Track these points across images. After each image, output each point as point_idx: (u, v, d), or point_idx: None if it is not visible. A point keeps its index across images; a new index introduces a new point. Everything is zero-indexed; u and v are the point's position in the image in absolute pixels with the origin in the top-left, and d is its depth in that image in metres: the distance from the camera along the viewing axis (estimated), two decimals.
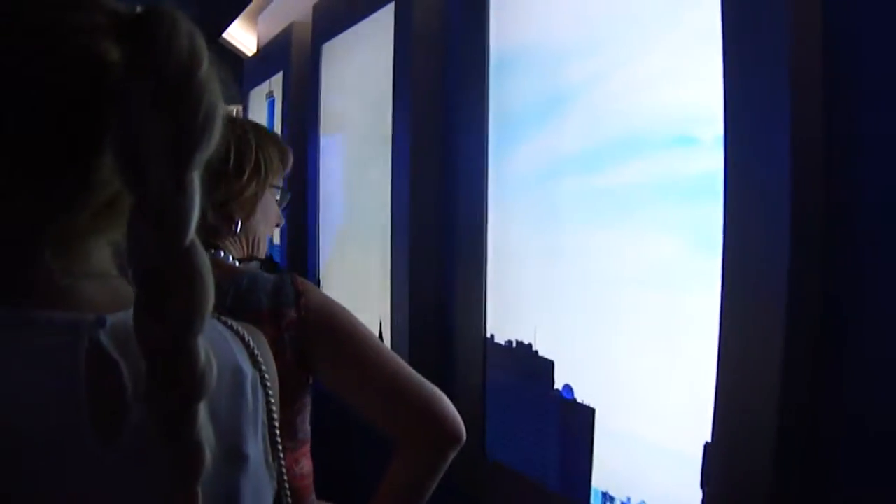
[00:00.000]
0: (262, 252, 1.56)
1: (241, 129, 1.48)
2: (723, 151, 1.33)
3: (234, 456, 0.74)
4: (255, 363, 0.80)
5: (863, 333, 1.22)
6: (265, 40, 5.00)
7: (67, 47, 0.65)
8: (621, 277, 1.64)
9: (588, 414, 1.66)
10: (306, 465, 1.42)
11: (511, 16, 2.12)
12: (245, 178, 1.45)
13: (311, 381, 1.41)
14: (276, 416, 0.81)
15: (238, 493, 0.73)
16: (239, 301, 1.34)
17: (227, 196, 1.43)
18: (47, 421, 0.62)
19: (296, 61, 4.42)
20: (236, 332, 0.80)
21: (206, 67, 0.64)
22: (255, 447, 0.77)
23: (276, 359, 1.31)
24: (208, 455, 0.61)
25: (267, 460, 0.79)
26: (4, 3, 0.67)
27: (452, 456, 1.33)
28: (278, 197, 1.57)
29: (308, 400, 1.42)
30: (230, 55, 5.28)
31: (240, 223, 1.47)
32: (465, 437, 1.34)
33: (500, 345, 2.08)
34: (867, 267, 1.22)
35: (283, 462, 0.83)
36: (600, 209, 1.71)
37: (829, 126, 1.25)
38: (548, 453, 1.73)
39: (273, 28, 4.76)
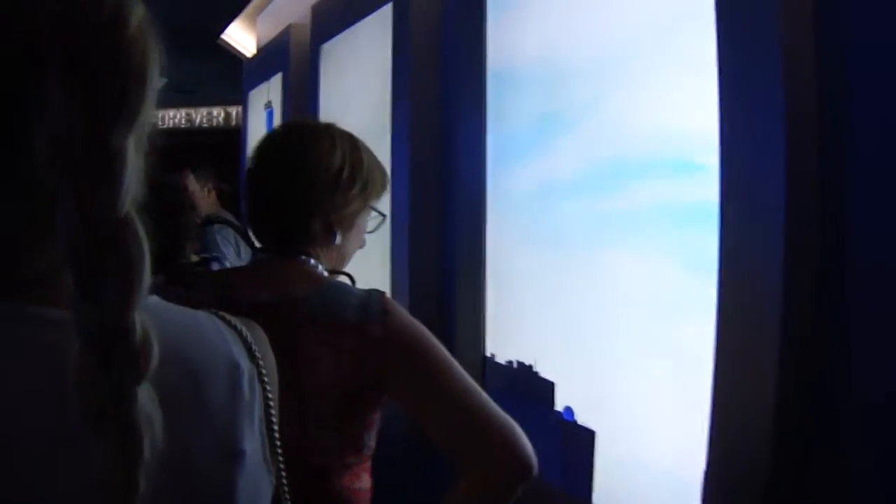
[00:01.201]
0: (344, 268, 1.61)
1: (354, 145, 1.52)
2: (718, 177, 1.38)
3: (229, 452, 0.73)
4: (253, 358, 0.79)
5: (860, 359, 1.27)
6: (264, 41, 5.05)
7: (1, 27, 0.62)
8: (620, 299, 1.68)
9: (588, 436, 1.71)
10: (366, 480, 1.44)
11: (509, 31, 2.16)
12: (353, 192, 1.49)
13: (384, 398, 1.42)
14: (274, 411, 0.80)
15: (234, 489, 0.73)
16: (323, 311, 1.37)
17: (333, 207, 1.48)
18: (37, 418, 0.62)
19: (295, 62, 4.45)
20: (233, 327, 0.80)
21: (131, 30, 0.61)
22: (252, 443, 0.76)
23: (351, 373, 1.35)
24: (147, 444, 0.58)
25: (265, 456, 0.78)
26: None
27: (521, 489, 1.33)
28: (370, 219, 1.62)
29: (378, 416, 1.44)
30: (229, 56, 5.32)
31: (338, 236, 1.51)
32: (536, 470, 1.33)
33: (500, 364, 2.12)
34: (863, 291, 1.27)
35: (281, 458, 0.82)
36: (600, 231, 1.75)
37: (823, 153, 1.29)
38: (548, 475, 1.75)
39: (272, 29, 4.80)
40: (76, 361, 0.58)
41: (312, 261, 1.48)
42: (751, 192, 1.34)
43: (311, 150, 1.47)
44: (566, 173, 1.87)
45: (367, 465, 1.45)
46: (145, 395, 0.59)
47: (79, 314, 0.58)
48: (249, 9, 4.66)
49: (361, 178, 1.51)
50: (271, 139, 1.58)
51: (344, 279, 1.57)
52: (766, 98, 1.31)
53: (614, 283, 1.70)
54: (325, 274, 1.50)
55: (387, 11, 3.04)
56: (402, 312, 1.43)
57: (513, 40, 2.16)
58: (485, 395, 1.35)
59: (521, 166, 2.09)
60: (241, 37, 5.18)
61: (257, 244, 1.58)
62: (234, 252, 3.91)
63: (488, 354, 2.18)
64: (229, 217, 4.43)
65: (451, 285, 2.45)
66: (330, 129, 1.55)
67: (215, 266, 3.33)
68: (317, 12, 4.12)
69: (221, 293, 1.42)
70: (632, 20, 1.67)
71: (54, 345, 0.61)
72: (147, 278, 0.60)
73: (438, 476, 1.50)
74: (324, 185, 1.46)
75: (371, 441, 1.44)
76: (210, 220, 3.91)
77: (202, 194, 4.69)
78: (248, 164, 1.54)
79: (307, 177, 1.45)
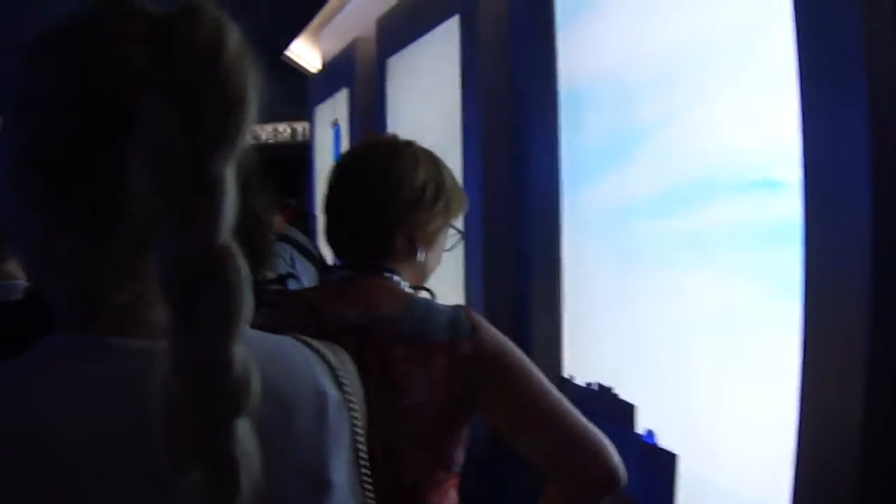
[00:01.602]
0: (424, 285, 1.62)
1: (435, 162, 1.54)
2: (801, 195, 1.35)
3: (317, 482, 0.72)
4: (339, 385, 0.77)
5: None
6: (329, 57, 5.10)
7: (97, 60, 0.65)
8: (700, 320, 1.66)
9: (670, 460, 1.69)
10: (453, 496, 1.45)
11: (580, 46, 2.15)
12: (436, 209, 1.49)
13: (473, 414, 1.43)
14: (361, 439, 0.79)
15: None
16: (412, 329, 1.38)
17: (417, 224, 1.48)
18: (119, 451, 0.62)
19: (361, 77, 4.50)
20: (319, 354, 0.78)
21: (229, 57, 0.59)
22: (340, 472, 0.75)
23: (443, 391, 1.36)
24: (245, 480, 0.57)
25: (353, 485, 0.77)
26: (54, 25, 0.69)
27: (607, 501, 1.34)
28: (449, 238, 1.62)
29: (466, 432, 1.44)
30: (294, 72, 5.40)
31: (420, 253, 1.51)
32: (623, 484, 1.34)
33: (578, 386, 2.11)
34: None
35: (370, 484, 0.81)
36: (677, 250, 1.73)
37: None
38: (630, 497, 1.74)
39: (336, 44, 4.85)
40: (171, 395, 0.56)
41: (396, 278, 1.48)
42: (835, 208, 1.31)
43: (395, 166, 1.47)
44: (642, 191, 1.86)
45: (455, 481, 1.46)
46: (243, 430, 0.58)
47: (175, 347, 0.57)
48: (313, 24, 4.72)
49: (444, 196, 1.51)
50: (354, 156, 1.60)
51: (426, 295, 1.57)
52: (850, 109, 1.29)
53: (693, 303, 1.68)
54: (410, 291, 1.50)
55: (453, 23, 3.06)
56: (490, 328, 1.43)
57: (584, 56, 2.15)
58: (572, 407, 1.36)
59: (595, 184, 2.08)
60: (305, 52, 5.24)
61: (330, 261, 1.59)
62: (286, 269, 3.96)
63: (566, 376, 2.17)
64: (292, 233, 4.49)
65: (526, 305, 2.44)
66: (411, 146, 1.55)
67: (293, 284, 3.38)
68: (382, 26, 4.15)
69: (308, 313, 1.43)
70: (705, 34, 1.65)
71: (137, 377, 0.60)
72: (247, 310, 0.58)
73: (518, 488, 1.49)
74: (408, 201, 1.46)
75: (460, 458, 1.44)
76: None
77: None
78: (329, 180, 1.55)
79: (392, 193, 1.45)
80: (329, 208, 1.53)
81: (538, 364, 2.16)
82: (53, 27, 0.69)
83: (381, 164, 1.48)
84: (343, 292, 1.47)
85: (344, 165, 1.56)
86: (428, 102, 3.46)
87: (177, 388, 0.56)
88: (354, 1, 4.22)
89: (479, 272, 2.61)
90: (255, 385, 0.58)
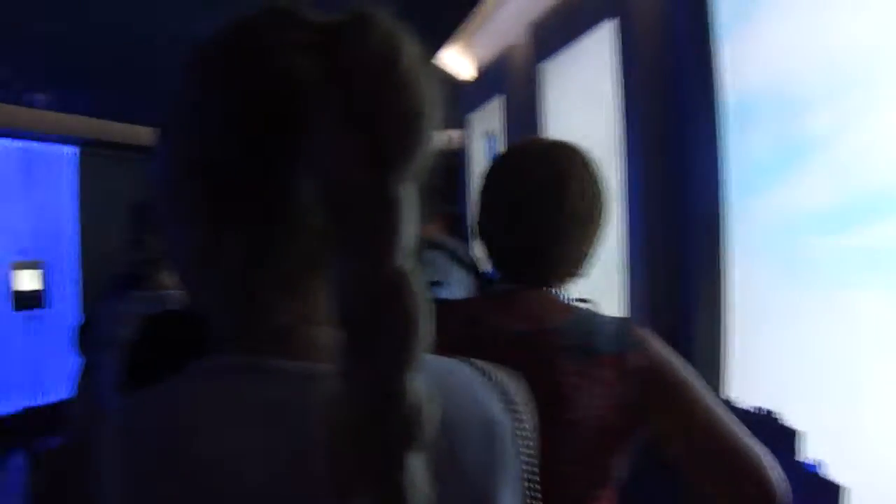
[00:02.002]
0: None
1: (597, 170, 1.52)
2: None
3: None
4: (512, 412, 0.73)
5: None
6: (482, 64, 5.13)
7: (256, 69, 0.64)
8: (875, 344, 1.56)
9: (837, 492, 1.60)
10: None
11: (742, 53, 2.07)
12: (601, 221, 1.45)
13: (637, 427, 1.38)
14: (533, 469, 0.75)
15: None
16: (579, 341, 1.36)
17: (585, 236, 1.44)
18: (279, 478, 0.60)
19: (514, 84, 4.50)
20: (492, 379, 0.75)
21: (406, 67, 0.56)
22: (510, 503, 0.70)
23: (611, 405, 1.33)
24: None
25: None
26: (215, 33, 0.68)
27: None
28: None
29: (629, 447, 1.40)
30: (446, 80, 5.46)
31: (585, 266, 1.48)
32: (784, 501, 1.29)
33: (740, 409, 2.02)
34: None
35: None
36: (851, 269, 1.64)
37: None
38: None
39: (489, 51, 4.87)
40: (341, 423, 0.54)
41: (555, 290, 1.44)
42: None
43: (566, 178, 1.41)
44: (813, 204, 1.77)
45: (614, 495, 1.41)
46: (416, 461, 0.55)
47: (349, 374, 0.54)
48: (465, 31, 4.75)
49: (607, 207, 1.47)
50: (515, 164, 1.50)
51: (587, 306, 1.54)
52: None
53: (866, 325, 1.58)
54: (575, 303, 1.45)
55: (608, 27, 3.00)
56: (656, 340, 1.40)
57: (749, 63, 2.06)
58: (736, 422, 1.31)
59: (762, 196, 1.99)
60: (458, 60, 5.28)
61: (484, 270, 1.57)
62: (443, 277, 3.98)
63: (728, 398, 2.09)
64: (446, 241, 4.52)
65: (688, 320, 2.37)
66: (578, 153, 1.51)
67: (443, 292, 3.39)
68: (534, 31, 4.14)
69: (465, 324, 1.41)
70: (879, 38, 1.55)
71: (298, 401, 0.60)
72: (426, 338, 0.55)
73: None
74: (581, 216, 1.41)
75: (620, 472, 1.40)
76: (426, 245, 4.01)
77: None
78: (486, 189, 1.49)
79: (568, 206, 1.40)
80: (489, 220, 1.48)
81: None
82: (215, 36, 0.68)
83: (548, 174, 1.42)
84: (506, 304, 1.44)
85: (504, 173, 1.49)
86: (583, 109, 3.41)
87: (348, 416, 0.54)
88: (506, 7, 4.22)
89: (640, 286, 2.55)
90: (431, 417, 0.55)
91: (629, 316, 2.62)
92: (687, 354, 2.24)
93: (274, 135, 0.62)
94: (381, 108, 0.54)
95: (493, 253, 1.49)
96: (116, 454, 0.61)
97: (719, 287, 2.15)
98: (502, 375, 0.76)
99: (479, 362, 0.76)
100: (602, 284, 2.96)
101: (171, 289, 2.83)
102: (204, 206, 0.65)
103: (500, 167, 1.50)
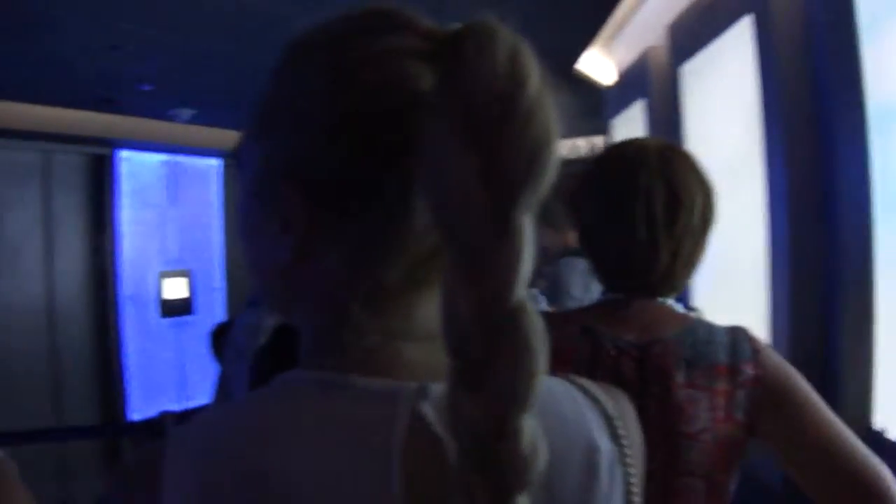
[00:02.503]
0: None
1: (705, 174, 1.45)
2: None
3: None
4: (615, 437, 0.69)
5: None
6: (623, 68, 5.03)
7: (367, 75, 0.61)
8: None
9: None
10: None
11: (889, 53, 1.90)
12: (710, 230, 1.41)
13: (750, 440, 1.35)
14: (637, 499, 0.71)
15: None
16: (694, 352, 1.32)
17: (696, 246, 1.40)
18: (355, 497, 0.58)
19: (655, 86, 4.39)
20: (595, 400, 0.71)
21: (533, 90, 0.53)
22: None
23: (726, 417, 1.29)
24: None
25: None
26: (312, 33, 0.66)
27: None
28: None
29: (742, 459, 1.37)
30: (587, 85, 5.38)
31: (692, 276, 1.45)
32: None
33: (890, 441, 1.83)
34: None
35: None
36: None
37: None
38: None
39: (629, 54, 4.77)
40: (445, 456, 0.54)
41: (669, 300, 1.40)
42: None
43: (682, 186, 1.36)
44: None
45: None
46: (523, 498, 0.53)
47: (459, 407, 0.53)
48: (605, 35, 4.67)
49: (714, 212, 1.41)
50: (630, 164, 1.40)
51: (698, 316, 1.46)
52: None
53: None
54: (686, 312, 1.41)
55: (746, 23, 2.86)
56: (771, 351, 1.35)
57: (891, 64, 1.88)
58: (855, 438, 1.25)
59: None
60: (599, 64, 5.21)
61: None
62: (581, 286, 3.83)
63: (877, 428, 1.90)
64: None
65: (835, 342, 2.18)
66: (688, 158, 1.41)
67: (541, 302, 3.31)
68: (672, 33, 4.04)
69: (581, 336, 1.36)
70: None
71: (385, 420, 0.59)
72: (543, 373, 0.53)
73: None
74: (695, 224, 1.37)
75: (733, 486, 1.35)
76: (563, 253, 3.90)
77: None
78: (595, 189, 1.43)
79: (684, 215, 1.36)
80: (596, 228, 1.43)
81: (845, 411, 1.95)
82: (315, 37, 0.66)
83: (659, 182, 1.36)
84: (617, 314, 1.39)
85: (612, 179, 1.41)
86: (724, 110, 3.27)
87: (457, 452, 0.53)
88: (644, 9, 4.11)
89: (784, 302, 2.38)
90: (542, 457, 0.53)
91: (772, 336, 2.48)
92: (833, 380, 2.09)
93: (384, 145, 0.60)
94: (506, 133, 0.51)
95: (599, 262, 1.45)
96: (188, 469, 0.59)
97: (869, 305, 1.98)
98: (606, 396, 0.71)
99: (582, 380, 0.72)
100: (742, 300, 2.80)
101: None
102: (301, 218, 0.63)
103: (605, 172, 1.43)
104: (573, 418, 0.67)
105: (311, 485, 0.58)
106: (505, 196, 0.51)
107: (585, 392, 0.70)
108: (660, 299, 1.39)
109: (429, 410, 0.60)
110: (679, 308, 1.40)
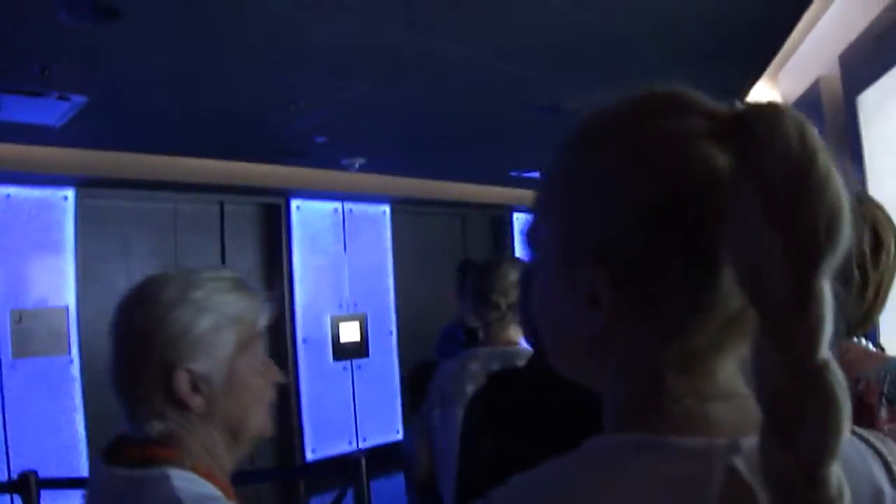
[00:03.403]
0: None
1: (874, 211, 1.47)
2: None
3: None
4: (893, 481, 0.71)
5: None
6: (789, 98, 4.91)
7: (668, 158, 0.66)
8: None
9: None
10: None
11: None
12: (881, 265, 1.43)
13: None
14: None
15: None
16: (894, 388, 1.33)
17: (890, 282, 1.45)
18: None
19: (829, 117, 4.26)
20: (872, 446, 0.73)
21: (823, 164, 0.58)
22: None
23: None
24: None
25: None
26: (600, 117, 0.72)
27: None
28: None
29: None
30: None
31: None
32: None
33: None
34: None
35: None
36: None
37: None
38: None
39: (796, 85, 4.65)
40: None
41: (863, 339, 1.43)
42: None
43: (886, 226, 1.43)
44: None
45: None
46: None
47: (770, 459, 0.57)
48: (770, 66, 4.58)
49: (888, 252, 1.46)
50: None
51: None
52: None
53: None
54: (879, 351, 1.45)
55: None
56: None
57: None
58: None
59: None
60: (764, 95, 5.10)
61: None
62: None
63: None
64: None
65: None
66: (877, 202, 1.49)
67: None
68: (846, 62, 3.91)
69: None
70: None
71: (698, 475, 0.62)
72: (847, 428, 0.57)
73: None
74: (892, 263, 1.44)
75: None
76: None
77: None
78: None
79: (886, 256, 1.43)
80: None
81: None
82: (605, 121, 0.72)
83: (865, 227, 1.42)
84: None
85: None
86: None
87: (769, 500, 0.58)
88: (811, 41, 4.02)
89: None
90: (847, 502, 0.57)
91: None
92: None
93: (689, 225, 0.64)
94: (804, 208, 0.57)
95: None
96: None
97: None
98: (880, 442, 0.74)
99: (862, 431, 0.75)
100: None
101: (516, 344, 2.97)
102: (608, 294, 0.68)
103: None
104: (860, 465, 0.70)
105: None
106: (806, 265, 0.56)
107: (862, 438, 0.73)
108: (856, 339, 1.41)
109: (741, 464, 0.63)
110: (870, 346, 1.42)
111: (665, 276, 0.66)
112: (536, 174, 8.01)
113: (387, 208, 8.13)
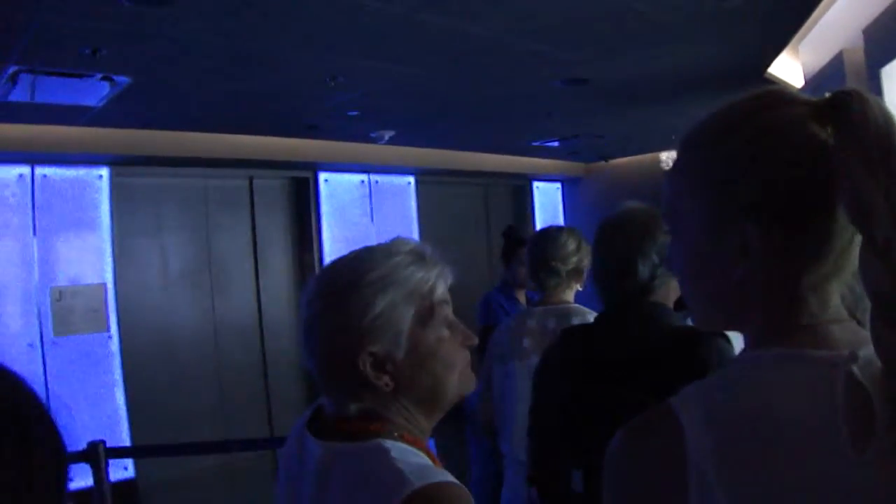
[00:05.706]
0: None
1: None
2: None
3: None
4: None
5: None
6: (811, 70, 4.96)
7: (791, 136, 0.90)
8: None
9: None
10: None
11: None
12: None
13: None
14: None
15: None
16: None
17: None
18: (810, 433, 0.82)
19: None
20: None
21: None
22: None
23: None
24: None
25: None
26: (725, 114, 0.96)
27: None
28: None
29: None
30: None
31: None
32: None
33: None
34: None
35: None
36: None
37: None
38: None
39: (819, 57, 4.70)
40: (877, 395, 0.81)
41: None
42: None
43: None
44: None
45: None
46: None
47: (879, 336, 0.81)
48: (793, 39, 4.64)
49: None
50: None
51: None
52: None
53: None
54: None
55: None
56: None
57: None
58: None
59: None
60: (785, 67, 5.16)
61: None
62: None
63: None
64: None
65: None
66: None
67: None
68: (870, 35, 3.95)
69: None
70: None
71: (831, 380, 0.83)
72: None
73: None
74: None
75: None
76: None
77: None
78: None
79: None
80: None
81: None
82: (729, 116, 0.96)
83: None
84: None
85: None
86: None
87: (887, 388, 0.81)
88: (834, 13, 4.08)
89: None
90: None
91: None
92: None
93: (814, 181, 0.88)
94: (893, 159, 0.83)
95: None
96: (700, 412, 0.87)
97: None
98: None
99: None
100: None
101: (569, 303, 3.20)
102: (756, 243, 0.91)
103: None
104: None
105: (792, 425, 0.83)
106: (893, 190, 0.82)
107: None
108: None
109: (857, 371, 0.83)
110: None
111: (802, 220, 0.89)
112: (557, 143, 8.14)
113: (412, 179, 8.24)
